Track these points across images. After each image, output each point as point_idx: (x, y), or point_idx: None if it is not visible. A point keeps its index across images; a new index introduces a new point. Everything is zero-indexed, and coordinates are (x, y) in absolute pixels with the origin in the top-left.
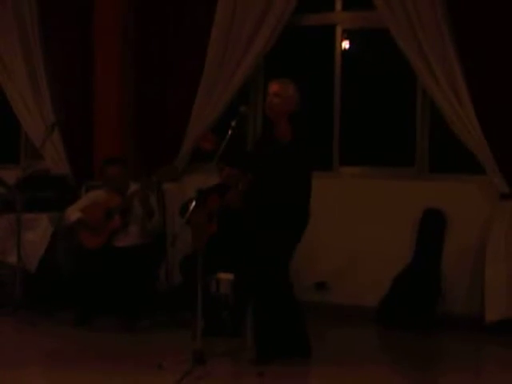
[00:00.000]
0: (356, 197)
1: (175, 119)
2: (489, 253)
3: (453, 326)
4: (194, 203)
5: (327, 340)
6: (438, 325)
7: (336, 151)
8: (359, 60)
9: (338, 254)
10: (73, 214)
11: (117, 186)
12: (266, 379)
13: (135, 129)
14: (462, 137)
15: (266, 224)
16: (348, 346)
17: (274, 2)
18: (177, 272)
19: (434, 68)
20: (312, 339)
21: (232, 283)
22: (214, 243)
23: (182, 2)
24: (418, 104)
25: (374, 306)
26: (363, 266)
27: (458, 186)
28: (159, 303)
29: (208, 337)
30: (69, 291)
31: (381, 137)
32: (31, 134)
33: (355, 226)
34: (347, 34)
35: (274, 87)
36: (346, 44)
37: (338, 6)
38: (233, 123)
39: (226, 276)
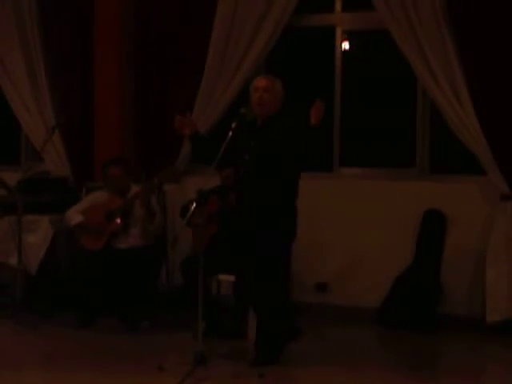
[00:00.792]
0: (356, 198)
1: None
2: (489, 253)
3: (454, 326)
4: (194, 205)
5: (328, 341)
6: (439, 325)
7: (336, 152)
8: (359, 61)
9: (338, 255)
10: (73, 216)
11: (118, 187)
12: (266, 380)
13: (136, 131)
14: (463, 137)
15: (261, 223)
16: (349, 346)
17: (274, 3)
18: (177, 273)
19: (434, 69)
20: (313, 340)
21: (233, 285)
22: (215, 244)
23: (183, 4)
24: (419, 105)
25: (375, 306)
26: (364, 267)
27: (459, 187)
28: (160, 304)
29: (209, 338)
30: (69, 293)
31: (381, 138)
32: (32, 136)
33: (356, 227)
34: (347, 35)
35: (262, 82)
36: (345, 45)
37: (338, 6)
38: (233, 125)
39: (226, 277)
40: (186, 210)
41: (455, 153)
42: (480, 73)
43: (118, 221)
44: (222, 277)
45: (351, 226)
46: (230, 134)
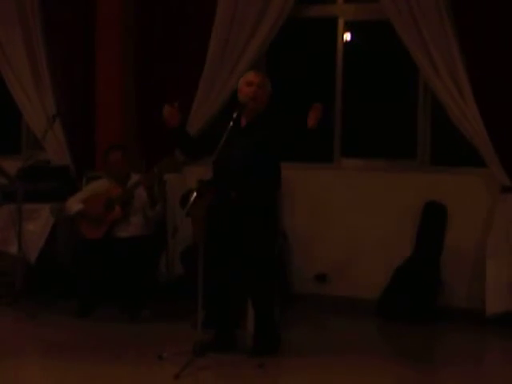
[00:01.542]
0: (357, 189)
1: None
2: (490, 245)
3: (453, 318)
4: (194, 194)
5: (327, 332)
6: (439, 317)
7: (337, 143)
8: (361, 52)
9: (338, 247)
10: (74, 204)
11: (118, 173)
12: (266, 370)
13: (137, 119)
14: (464, 129)
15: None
16: (348, 337)
17: None
18: (178, 263)
19: (435, 60)
20: (313, 331)
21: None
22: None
23: None
24: (420, 96)
25: (375, 298)
26: (364, 259)
27: (460, 179)
28: (160, 294)
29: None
30: (69, 282)
31: (382, 129)
32: (32, 125)
33: (356, 219)
34: (349, 26)
35: (257, 78)
36: (347, 36)
37: None
38: (234, 115)
39: None
40: (185, 199)
41: (456, 145)
42: (482, 65)
43: (119, 210)
44: None
45: (351, 217)
46: (231, 123)
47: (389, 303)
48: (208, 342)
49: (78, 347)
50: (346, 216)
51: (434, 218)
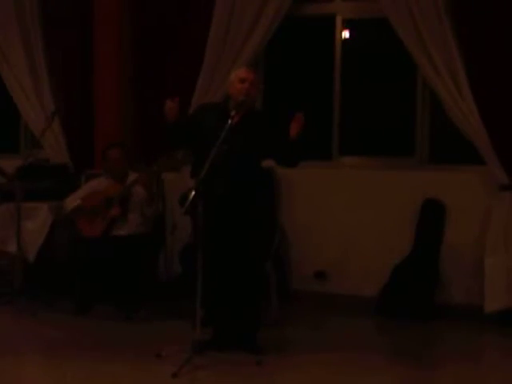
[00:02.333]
0: (355, 186)
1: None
2: (488, 243)
3: (452, 315)
4: (193, 193)
5: (326, 329)
6: (438, 315)
7: (336, 141)
8: (359, 49)
9: (337, 244)
10: (72, 203)
11: (117, 171)
12: (264, 368)
13: (135, 118)
14: (462, 127)
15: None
16: (347, 335)
17: None
18: (176, 261)
19: (434, 58)
20: (311, 328)
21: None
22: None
23: None
24: (418, 94)
25: (374, 295)
26: (363, 256)
27: (458, 177)
28: (158, 292)
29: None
30: (68, 280)
31: (381, 126)
32: (31, 123)
33: (355, 216)
34: (347, 24)
35: (251, 75)
36: (345, 33)
37: None
38: (232, 113)
39: None
40: (184, 198)
41: (455, 142)
42: (480, 62)
43: (117, 208)
44: None
45: (350, 214)
46: (229, 121)
47: (388, 301)
48: (206, 341)
49: (76, 345)
50: (345, 214)
51: (432, 216)
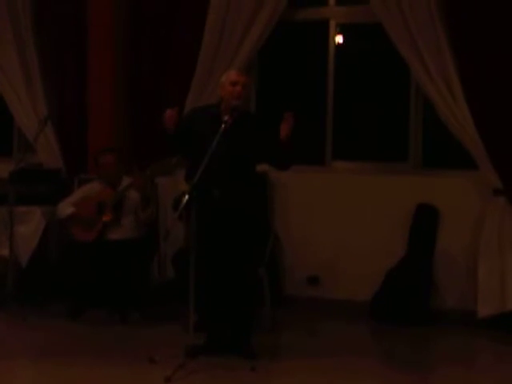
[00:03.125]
0: (349, 191)
1: None
2: (482, 248)
3: (445, 320)
4: (186, 197)
5: (319, 334)
6: (431, 319)
7: (329, 146)
8: (352, 54)
9: (330, 249)
10: (65, 207)
11: (110, 176)
12: (258, 373)
13: (129, 122)
14: (456, 132)
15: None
16: (340, 340)
17: None
18: (169, 266)
19: (427, 63)
20: (305, 334)
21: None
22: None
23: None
24: (412, 98)
25: (367, 300)
26: (356, 261)
27: (452, 181)
28: (152, 297)
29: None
30: (60, 285)
31: (374, 131)
32: (24, 128)
33: (348, 221)
34: (340, 29)
35: (243, 77)
36: (339, 38)
37: (332, 0)
38: (225, 118)
39: None
40: (178, 202)
41: (448, 147)
42: (474, 67)
43: (108, 216)
44: None
45: (343, 219)
46: (223, 126)
47: (381, 305)
48: (200, 345)
49: (69, 350)
50: (338, 219)
51: (425, 221)
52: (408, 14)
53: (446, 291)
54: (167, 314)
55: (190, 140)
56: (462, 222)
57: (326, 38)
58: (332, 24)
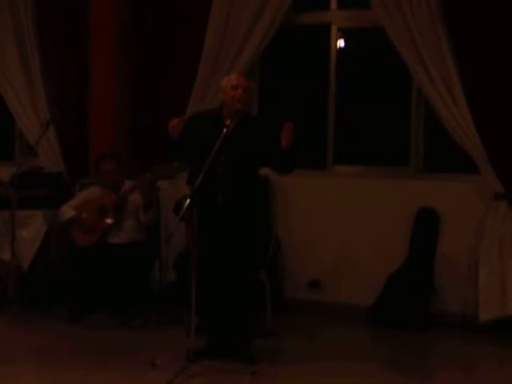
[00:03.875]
0: (350, 196)
1: (170, 118)
2: (483, 252)
3: (446, 325)
4: (187, 200)
5: (320, 338)
6: (432, 324)
7: (330, 150)
8: (354, 58)
9: (332, 253)
10: (67, 211)
11: (110, 182)
12: (258, 378)
13: (130, 126)
14: (457, 136)
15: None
16: (341, 344)
17: (269, 0)
18: (171, 269)
19: (428, 67)
20: (305, 338)
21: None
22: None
23: (177, 4)
24: (413, 103)
25: (368, 304)
26: (357, 265)
27: (453, 186)
28: (153, 301)
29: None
30: (62, 288)
31: (375, 136)
32: (26, 131)
33: (349, 225)
34: (342, 33)
35: (244, 81)
36: (341, 42)
37: (333, 4)
38: (227, 122)
39: None
40: (179, 205)
41: (449, 152)
42: (475, 72)
43: (110, 219)
44: None
45: (345, 223)
46: (225, 130)
47: (382, 310)
48: (201, 349)
49: (70, 353)
50: (340, 223)
51: (427, 225)
52: (409, 19)
53: (447, 295)
54: (168, 318)
55: (193, 145)
56: (463, 227)
57: (328, 42)
58: (334, 28)
